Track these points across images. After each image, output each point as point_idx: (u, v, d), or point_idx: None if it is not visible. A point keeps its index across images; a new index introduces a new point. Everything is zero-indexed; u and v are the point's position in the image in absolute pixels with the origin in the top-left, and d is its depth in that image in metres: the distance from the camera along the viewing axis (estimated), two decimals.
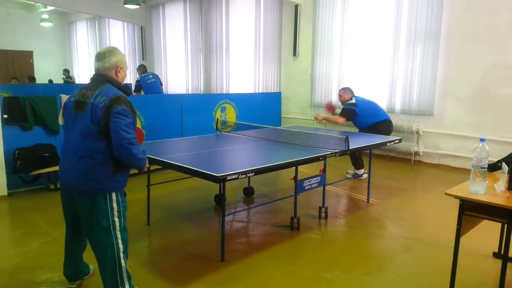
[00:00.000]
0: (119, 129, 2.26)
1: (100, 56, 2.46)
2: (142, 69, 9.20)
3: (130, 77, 12.86)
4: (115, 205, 2.41)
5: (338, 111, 6.04)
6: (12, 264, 3.15)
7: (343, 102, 5.77)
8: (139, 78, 9.01)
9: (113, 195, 2.40)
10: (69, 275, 2.76)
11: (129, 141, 2.28)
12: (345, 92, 5.84)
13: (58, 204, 2.66)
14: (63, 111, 2.55)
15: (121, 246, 2.43)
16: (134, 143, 2.32)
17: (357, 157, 5.60)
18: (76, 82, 13.15)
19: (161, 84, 9.22)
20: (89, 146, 2.32)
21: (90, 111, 2.31)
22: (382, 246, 3.62)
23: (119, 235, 2.43)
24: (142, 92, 8.71)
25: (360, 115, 5.56)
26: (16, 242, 3.62)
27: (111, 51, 2.49)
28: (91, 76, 2.51)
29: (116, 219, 2.42)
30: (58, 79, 13.63)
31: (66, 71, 13.34)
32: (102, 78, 2.44)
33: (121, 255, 2.43)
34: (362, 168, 5.62)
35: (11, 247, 3.53)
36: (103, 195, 2.37)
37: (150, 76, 8.86)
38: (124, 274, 2.45)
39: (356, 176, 5.61)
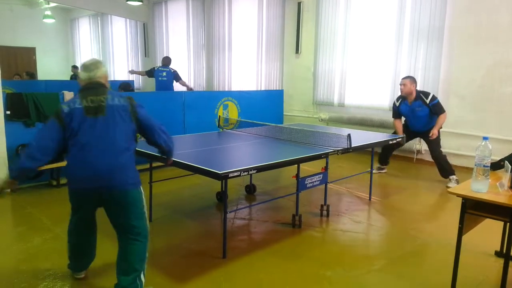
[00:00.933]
0: (150, 117, 2.62)
1: (92, 67, 2.61)
2: (164, 61, 9.06)
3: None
4: (143, 197, 2.59)
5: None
6: (15, 260, 3.17)
7: (408, 93, 5.35)
8: (156, 68, 9.01)
9: (141, 188, 2.58)
10: (83, 268, 2.86)
11: (163, 126, 2.67)
12: (412, 82, 5.34)
13: (61, 200, 2.69)
14: (65, 120, 2.43)
15: (148, 233, 2.65)
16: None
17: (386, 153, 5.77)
18: None
19: (180, 79, 9.02)
20: (125, 144, 2.48)
21: (117, 111, 2.48)
22: (383, 244, 3.62)
23: (148, 224, 2.65)
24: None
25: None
26: (19, 238, 3.63)
27: (99, 61, 2.70)
28: (87, 84, 2.57)
29: (145, 211, 2.63)
30: (60, 76, 13.65)
31: (75, 68, 13.38)
32: (101, 85, 2.59)
33: (148, 244, 2.64)
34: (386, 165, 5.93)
35: (14, 243, 3.54)
36: (138, 189, 2.54)
37: (164, 74, 8.81)
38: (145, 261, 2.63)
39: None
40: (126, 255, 2.55)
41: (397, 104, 5.58)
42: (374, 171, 5.84)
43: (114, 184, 2.42)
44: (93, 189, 2.44)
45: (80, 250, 2.79)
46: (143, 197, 2.59)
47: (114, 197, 2.47)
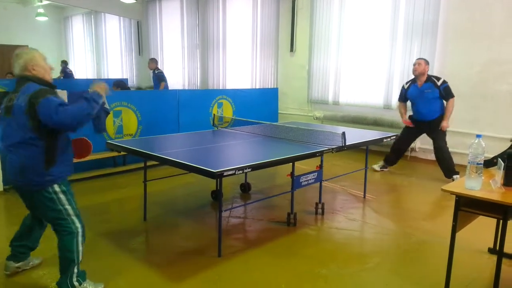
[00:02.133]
0: (51, 110, 2.30)
1: (13, 61, 2.52)
2: (156, 62, 9.32)
3: (127, 72, 12.80)
4: (55, 196, 2.51)
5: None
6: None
7: (420, 74, 5.27)
8: (161, 71, 9.12)
9: (51, 188, 2.49)
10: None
11: (58, 108, 2.32)
12: (426, 63, 5.27)
13: None
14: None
15: (72, 229, 2.61)
16: (66, 105, 2.36)
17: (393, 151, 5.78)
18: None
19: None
20: (24, 146, 2.40)
21: (18, 112, 2.38)
22: (378, 242, 3.63)
23: (71, 220, 2.60)
24: (162, 84, 8.86)
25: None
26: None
27: (17, 54, 2.52)
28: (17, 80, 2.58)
29: (65, 208, 2.58)
30: (53, 75, 13.50)
31: (64, 62, 13.14)
32: (21, 79, 2.51)
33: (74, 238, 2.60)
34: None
35: (7, 242, 3.50)
36: (43, 190, 2.49)
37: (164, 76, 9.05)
38: None
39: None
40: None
41: (406, 86, 5.53)
42: (377, 169, 5.87)
43: (19, 185, 2.52)
44: (14, 186, 2.64)
45: (20, 228, 2.90)
46: (56, 196, 2.49)
47: (25, 196, 2.59)
